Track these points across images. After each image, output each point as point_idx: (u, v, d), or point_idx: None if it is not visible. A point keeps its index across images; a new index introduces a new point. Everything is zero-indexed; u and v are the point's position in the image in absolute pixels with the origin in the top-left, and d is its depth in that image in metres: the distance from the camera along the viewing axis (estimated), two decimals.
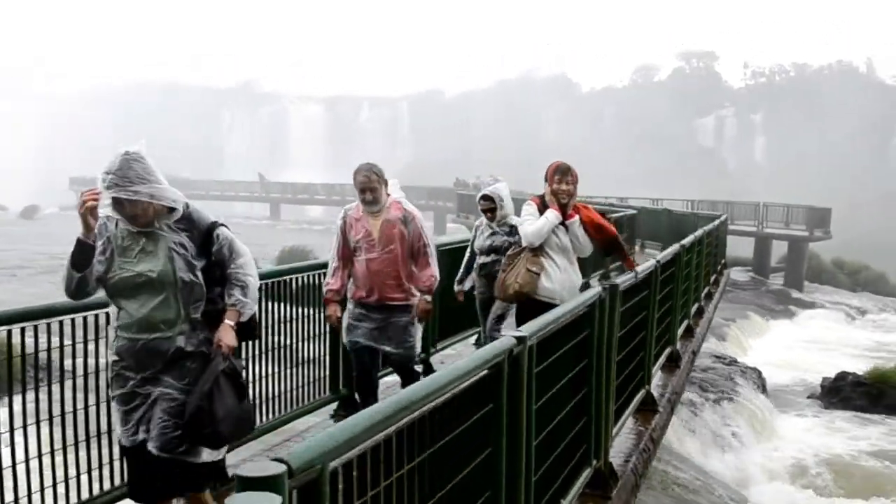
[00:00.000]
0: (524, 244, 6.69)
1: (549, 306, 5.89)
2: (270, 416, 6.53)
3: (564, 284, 6.61)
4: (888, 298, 38.23)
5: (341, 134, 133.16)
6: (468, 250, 8.62)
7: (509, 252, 6.98)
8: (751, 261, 40.17)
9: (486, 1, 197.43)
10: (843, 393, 19.41)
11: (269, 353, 6.44)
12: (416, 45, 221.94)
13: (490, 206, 8.30)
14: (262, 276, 5.59)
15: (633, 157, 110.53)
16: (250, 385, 5.75)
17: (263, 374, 6.35)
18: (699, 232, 13.08)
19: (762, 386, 19.84)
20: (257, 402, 6.07)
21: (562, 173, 6.62)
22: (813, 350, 25.98)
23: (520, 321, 6.46)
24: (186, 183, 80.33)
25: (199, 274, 4.22)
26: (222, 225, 4.37)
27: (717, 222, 18.21)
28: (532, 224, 6.62)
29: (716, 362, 19.92)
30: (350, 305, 6.56)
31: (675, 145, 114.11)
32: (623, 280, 6.18)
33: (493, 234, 8.27)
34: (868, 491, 14.70)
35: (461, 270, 8.69)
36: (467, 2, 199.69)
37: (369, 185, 6.28)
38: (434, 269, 6.45)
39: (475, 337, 9.77)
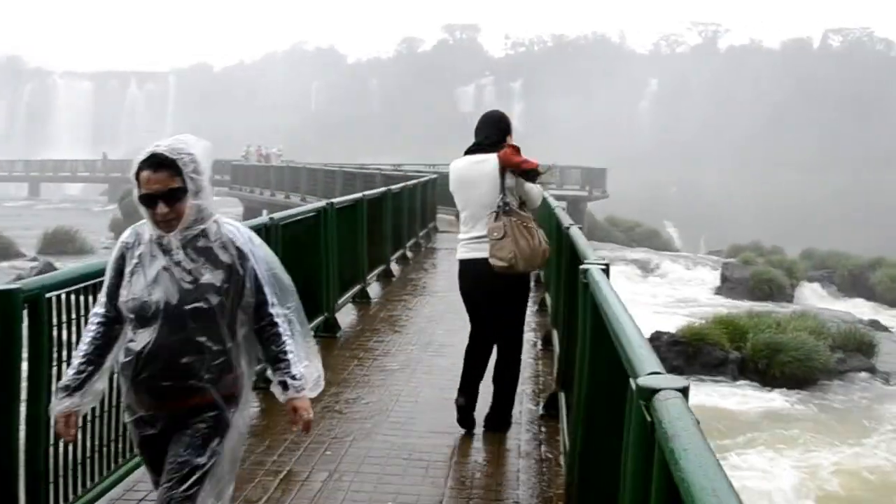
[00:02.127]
0: (532, 206, 5.76)
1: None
2: None
3: None
4: (665, 252, 38.73)
5: (109, 110, 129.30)
6: (98, 307, 3.21)
7: (497, 223, 5.47)
8: None
9: None
10: (660, 353, 18.29)
11: None
12: (184, 19, 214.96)
13: (168, 184, 2.99)
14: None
15: (397, 126, 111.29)
16: None
17: None
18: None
19: None
20: None
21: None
22: None
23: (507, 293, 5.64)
24: None
25: None
26: None
27: None
28: (533, 187, 5.67)
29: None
30: None
31: (437, 113, 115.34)
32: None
33: (181, 263, 3.05)
34: None
35: (75, 363, 3.19)
36: None
37: None
38: None
39: None
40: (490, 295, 5.62)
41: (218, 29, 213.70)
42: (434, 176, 21.11)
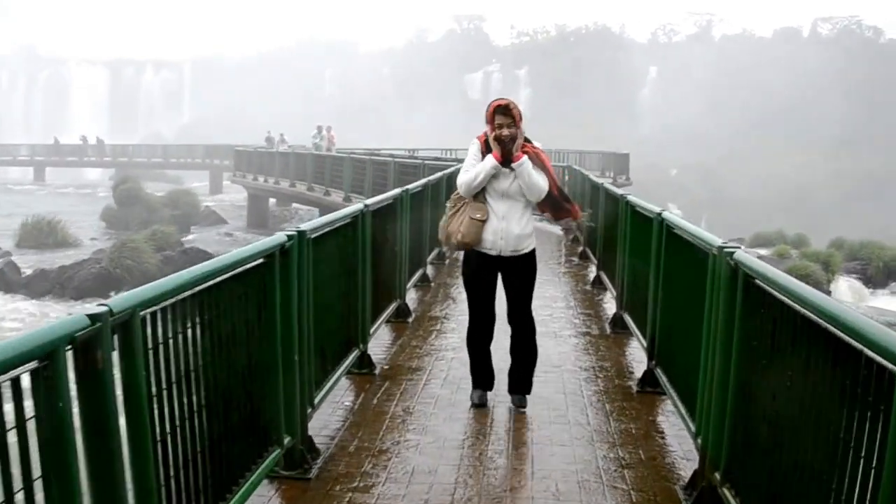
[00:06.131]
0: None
1: (485, 257, 5.35)
2: None
3: (501, 234, 5.29)
4: None
5: (124, 97, 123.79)
6: None
7: (453, 195, 5.43)
8: None
9: None
10: None
11: None
12: (200, 9, 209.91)
13: None
14: None
15: (409, 113, 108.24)
16: None
17: None
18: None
19: None
20: None
21: (502, 114, 5.17)
22: None
23: (467, 270, 5.51)
24: None
25: None
26: None
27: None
28: (466, 173, 5.29)
29: None
30: None
31: (447, 100, 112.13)
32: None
33: None
34: None
35: None
36: None
37: None
38: None
39: None
40: None
41: (234, 20, 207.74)
42: (458, 165, 16.54)
